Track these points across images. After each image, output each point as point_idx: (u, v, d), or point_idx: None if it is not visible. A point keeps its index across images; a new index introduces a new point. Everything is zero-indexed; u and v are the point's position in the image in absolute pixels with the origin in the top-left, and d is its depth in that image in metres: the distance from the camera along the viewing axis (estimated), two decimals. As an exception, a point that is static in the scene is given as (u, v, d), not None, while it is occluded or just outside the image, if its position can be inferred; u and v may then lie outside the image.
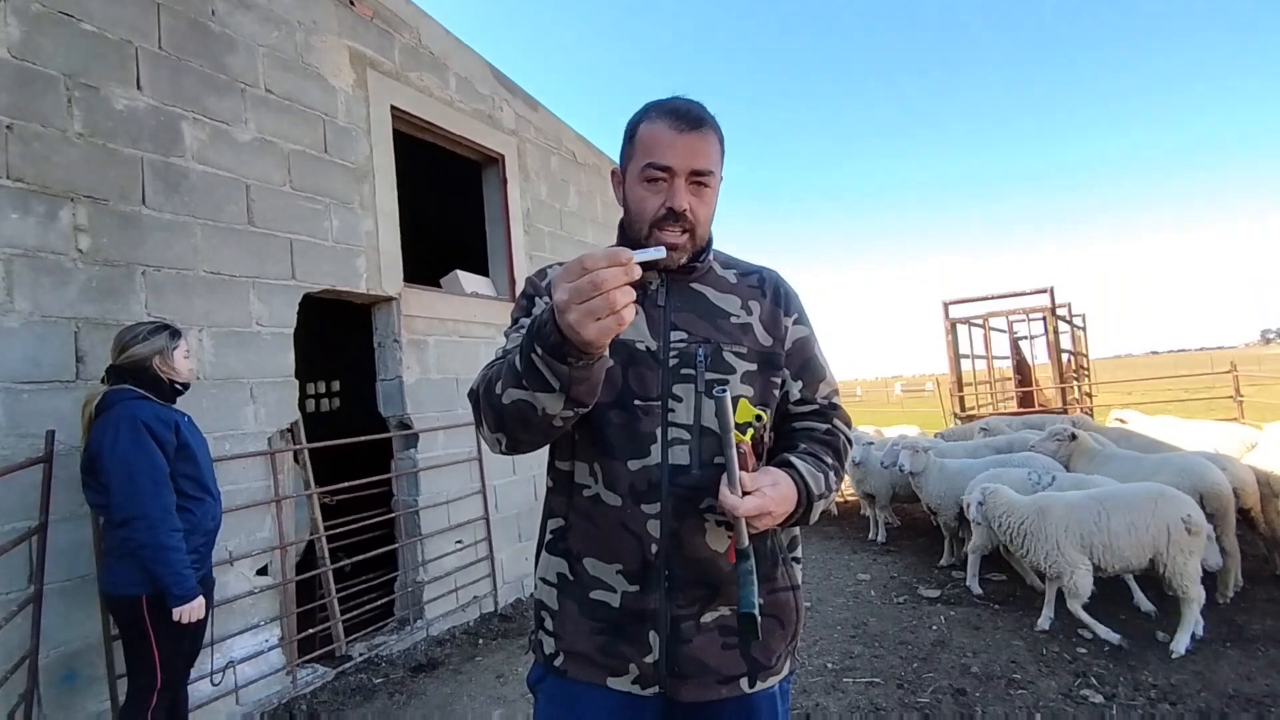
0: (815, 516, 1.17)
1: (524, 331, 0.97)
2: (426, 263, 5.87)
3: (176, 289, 3.14)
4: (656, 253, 0.91)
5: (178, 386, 2.55)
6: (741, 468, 1.02)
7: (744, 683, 1.18)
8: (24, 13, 2.71)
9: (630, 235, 1.24)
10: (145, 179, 3.05)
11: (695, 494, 1.14)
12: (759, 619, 1.00)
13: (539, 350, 0.91)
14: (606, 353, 0.94)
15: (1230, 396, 9.43)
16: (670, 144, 1.14)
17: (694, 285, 1.25)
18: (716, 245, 1.30)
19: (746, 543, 1.04)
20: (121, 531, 2.29)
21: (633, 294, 0.84)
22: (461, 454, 4.70)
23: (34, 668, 2.52)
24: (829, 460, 1.22)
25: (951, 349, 11.88)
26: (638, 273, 0.84)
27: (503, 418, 1.03)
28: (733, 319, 1.24)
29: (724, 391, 1.00)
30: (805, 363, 1.30)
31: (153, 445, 2.34)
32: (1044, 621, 3.90)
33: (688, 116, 1.14)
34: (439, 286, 4.98)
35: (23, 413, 2.61)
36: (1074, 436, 5.17)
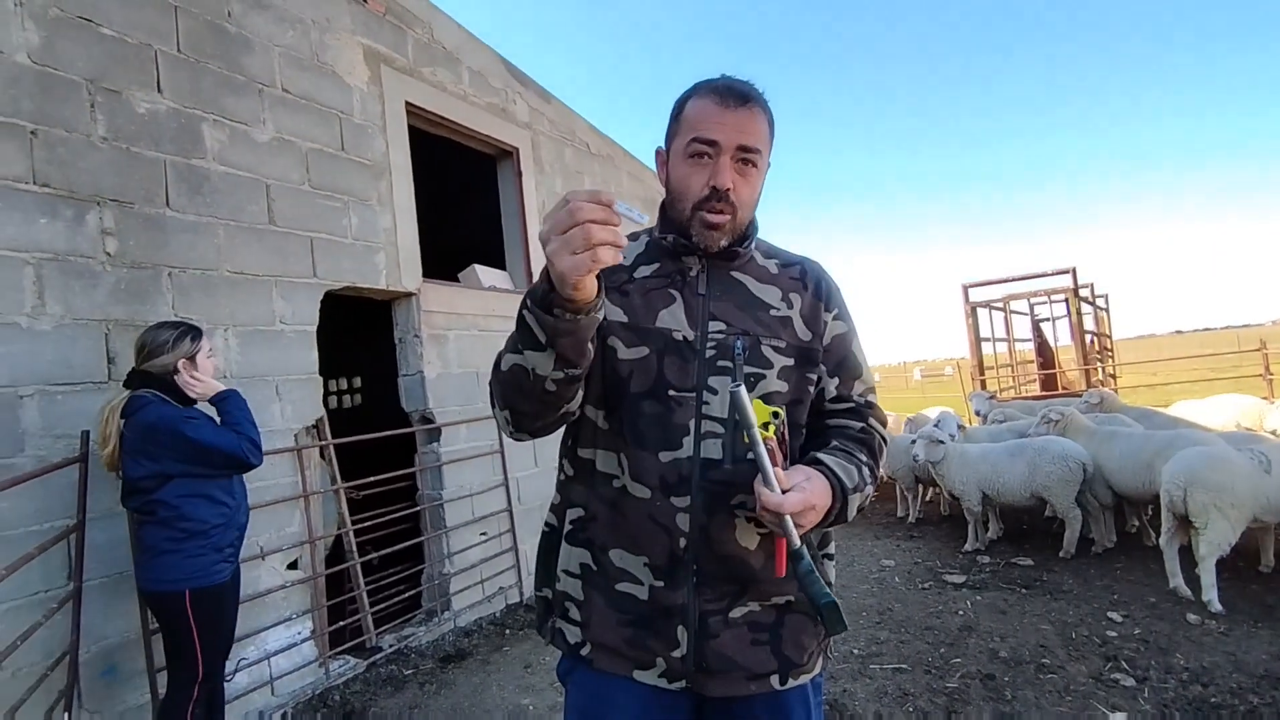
0: (853, 512, 1.13)
1: None
2: (444, 258, 5.89)
3: (201, 289, 3.18)
4: (639, 216, 0.90)
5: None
6: (772, 464, 1.00)
7: (775, 680, 1.16)
8: (42, 18, 2.74)
9: (672, 216, 1.20)
10: (168, 181, 3.09)
11: (727, 489, 1.11)
12: (837, 602, 0.97)
13: (529, 303, 0.94)
14: (598, 315, 0.94)
15: (1259, 375, 9.25)
16: (718, 119, 1.10)
17: (734, 274, 1.22)
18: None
19: (799, 543, 1.00)
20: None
21: (613, 235, 0.85)
22: (484, 447, 4.73)
23: (74, 663, 2.58)
24: (862, 457, 1.19)
25: (972, 332, 11.76)
26: (616, 219, 0.85)
27: (505, 388, 1.04)
28: (773, 311, 1.20)
29: (739, 386, 0.97)
30: (843, 359, 1.26)
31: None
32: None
33: (736, 93, 1.11)
34: (457, 281, 5.00)
35: (57, 414, 2.67)
36: (1062, 414, 5.51)
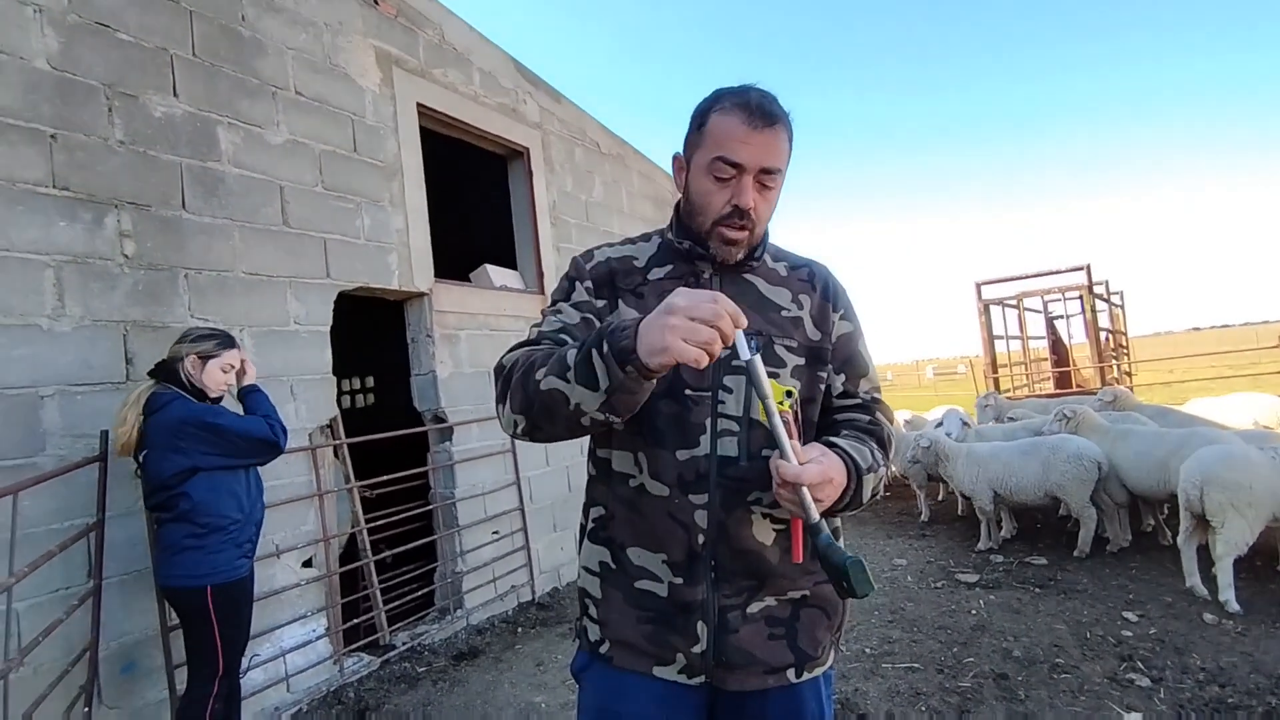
0: (867, 494, 1.13)
1: (571, 322, 1.07)
2: (456, 258, 5.92)
3: (217, 290, 3.22)
4: (744, 353, 0.93)
5: (209, 398, 2.59)
6: (789, 437, 0.99)
7: (790, 673, 1.18)
8: (61, 24, 2.78)
9: (690, 226, 1.22)
10: (184, 184, 3.13)
11: (743, 486, 1.14)
12: (863, 561, 0.95)
13: (605, 347, 0.93)
14: (654, 383, 0.96)
15: (1277, 372, 9.13)
16: (744, 140, 1.10)
17: (746, 276, 1.25)
18: None
19: (817, 516, 0.99)
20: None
21: (720, 351, 0.89)
22: (496, 446, 4.76)
23: (94, 659, 2.62)
24: (872, 445, 1.21)
25: (985, 330, 11.68)
26: (730, 339, 0.89)
27: (531, 402, 1.03)
28: (784, 312, 1.23)
29: (755, 355, 0.96)
30: (849, 358, 1.29)
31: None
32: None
33: (763, 112, 1.11)
34: (468, 281, 5.03)
35: (77, 414, 2.71)
36: (1075, 412, 5.45)
